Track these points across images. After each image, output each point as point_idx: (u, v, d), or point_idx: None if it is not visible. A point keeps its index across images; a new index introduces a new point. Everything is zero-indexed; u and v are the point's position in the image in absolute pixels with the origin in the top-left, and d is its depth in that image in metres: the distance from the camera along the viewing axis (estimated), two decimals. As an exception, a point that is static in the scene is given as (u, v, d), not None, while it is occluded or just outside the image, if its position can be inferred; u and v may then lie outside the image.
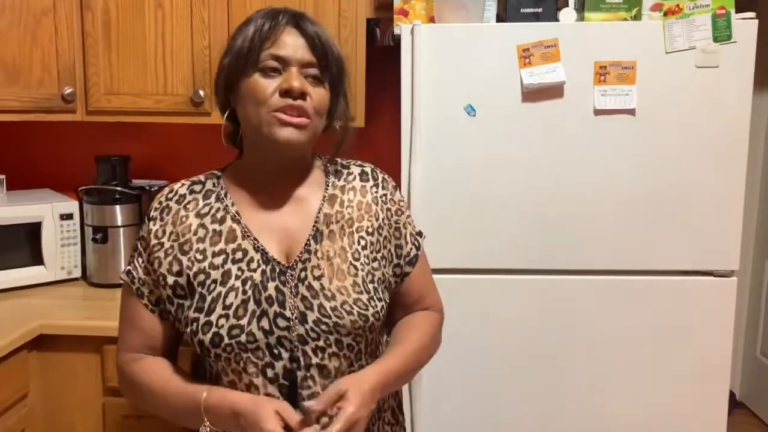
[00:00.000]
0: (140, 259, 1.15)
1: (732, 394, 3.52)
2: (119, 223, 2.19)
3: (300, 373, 1.09)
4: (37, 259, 2.15)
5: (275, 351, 1.08)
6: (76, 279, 2.23)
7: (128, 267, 1.18)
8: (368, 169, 1.24)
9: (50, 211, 2.16)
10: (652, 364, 1.90)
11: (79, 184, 2.27)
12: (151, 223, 1.16)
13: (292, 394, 1.09)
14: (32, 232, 2.14)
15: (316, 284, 1.10)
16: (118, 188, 2.19)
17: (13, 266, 2.11)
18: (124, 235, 2.20)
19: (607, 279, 1.88)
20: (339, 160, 1.25)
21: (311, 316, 1.08)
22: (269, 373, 1.08)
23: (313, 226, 1.16)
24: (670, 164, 1.84)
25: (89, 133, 2.48)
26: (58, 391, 1.86)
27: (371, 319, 1.11)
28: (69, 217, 2.21)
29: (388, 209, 1.21)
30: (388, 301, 1.19)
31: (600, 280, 1.88)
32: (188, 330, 1.09)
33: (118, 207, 2.19)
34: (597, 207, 1.85)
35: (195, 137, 2.46)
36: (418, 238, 1.26)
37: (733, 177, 1.83)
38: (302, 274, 1.12)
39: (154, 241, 1.14)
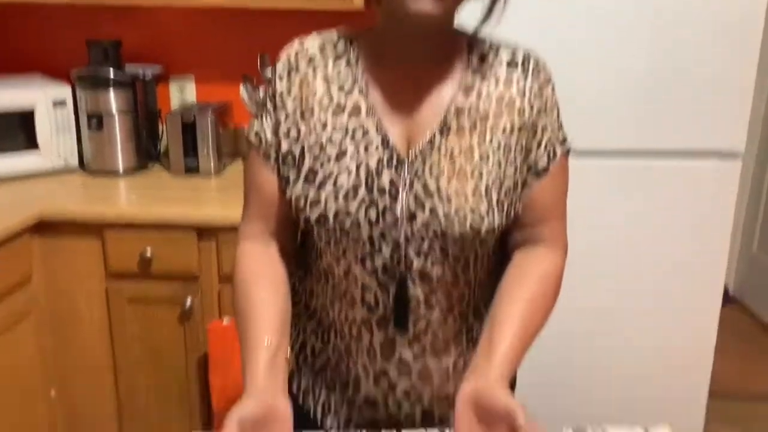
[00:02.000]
0: (268, 119, 1.04)
1: (725, 290, 3.60)
2: (114, 110, 2.13)
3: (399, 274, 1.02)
4: (32, 146, 2.11)
5: (376, 245, 0.99)
6: (73, 168, 2.20)
7: (255, 129, 1.06)
8: (520, 55, 1.03)
9: (43, 97, 2.10)
10: (649, 250, 1.91)
11: (69, 68, 2.19)
12: (279, 82, 1.03)
13: (399, 298, 1.02)
14: (25, 118, 2.09)
15: (432, 183, 0.98)
16: (112, 72, 2.13)
17: (8, 151, 2.08)
18: (120, 122, 2.15)
19: (611, 162, 1.86)
20: (488, 39, 1.05)
21: (420, 218, 0.98)
22: (368, 264, 1.01)
23: (443, 117, 1.00)
24: (680, 41, 1.78)
25: (78, 16, 2.38)
26: (61, 277, 1.88)
27: (483, 234, 0.99)
28: (62, 103, 2.15)
29: (533, 106, 1.02)
30: (512, 215, 1.03)
31: (602, 163, 1.86)
32: (294, 205, 1.01)
33: (112, 92, 2.13)
34: (600, 85, 1.81)
35: (187, 22, 2.36)
36: (557, 146, 1.04)
37: (745, 55, 1.78)
38: (419, 170, 0.99)
39: (280, 103, 1.02)
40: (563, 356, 1.97)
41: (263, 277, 1.05)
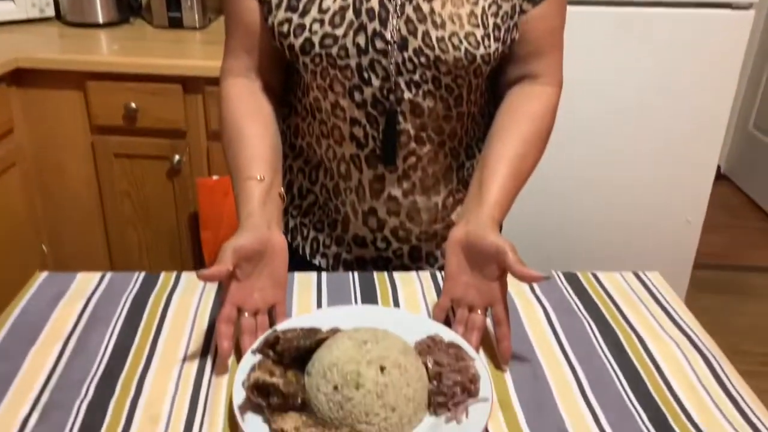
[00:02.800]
0: None
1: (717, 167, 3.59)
2: (89, -46, 2.00)
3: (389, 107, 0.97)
4: (4, -7, 1.99)
5: (365, 75, 0.95)
6: (49, 18, 2.09)
7: None
8: None
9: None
10: (651, 109, 1.86)
11: None
12: None
13: (389, 132, 0.98)
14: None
15: (425, 6, 0.92)
16: None
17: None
18: (97, -31, 2.02)
19: (618, 11, 1.78)
20: None
21: (412, 44, 0.93)
22: (357, 96, 0.97)
23: None
24: None
25: None
26: (44, 130, 1.82)
27: (478, 60, 0.93)
28: (33, -54, 2.00)
29: None
30: (508, 43, 0.98)
31: (609, 12, 1.78)
32: (277, 32, 0.95)
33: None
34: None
35: None
36: None
37: None
38: None
39: None
40: (554, 212, 1.97)
41: (252, 112, 1.01)
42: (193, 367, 0.83)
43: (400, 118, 0.98)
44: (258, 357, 0.79)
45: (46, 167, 1.86)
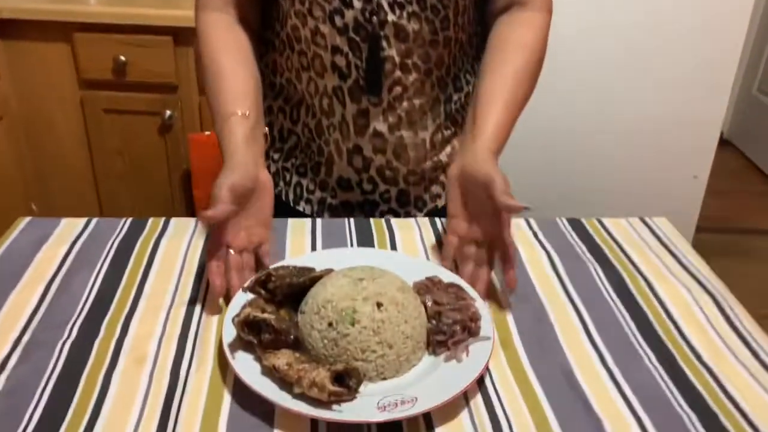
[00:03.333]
0: None
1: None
2: None
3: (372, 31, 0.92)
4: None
5: None
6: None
7: None
8: None
9: None
10: (657, 67, 1.81)
11: None
12: None
13: (373, 60, 0.93)
14: None
15: None
16: None
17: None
18: None
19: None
20: None
21: None
22: (338, 21, 0.91)
23: None
24: None
25: None
26: (31, 85, 1.77)
27: None
28: None
29: None
30: None
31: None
32: None
33: None
34: None
35: None
36: None
37: None
38: None
39: None
40: (559, 162, 1.93)
41: (230, 47, 0.96)
42: (181, 309, 0.80)
43: (384, 44, 0.93)
44: (249, 296, 0.75)
45: (34, 124, 1.81)
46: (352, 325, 0.68)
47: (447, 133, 1.04)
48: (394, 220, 0.99)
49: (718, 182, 2.68)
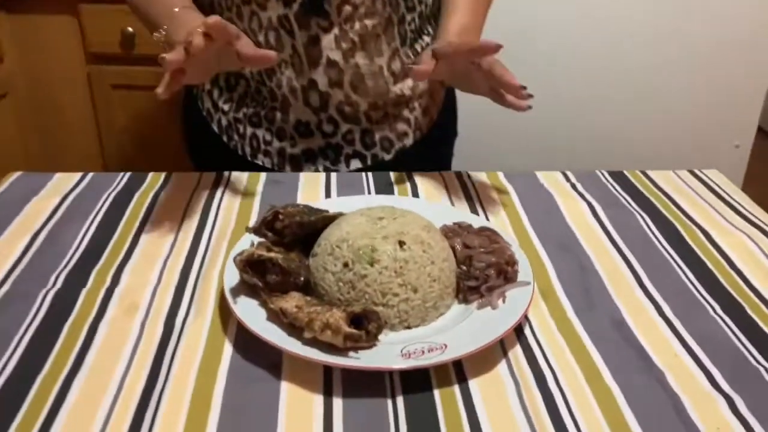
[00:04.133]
0: None
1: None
2: None
3: None
4: None
5: None
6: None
7: None
8: None
9: None
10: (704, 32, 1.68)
11: None
12: None
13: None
14: None
15: None
16: None
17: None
18: None
19: None
20: None
21: None
22: None
23: None
24: None
25: None
26: (36, 60, 1.70)
27: None
28: None
29: None
30: None
31: None
32: None
33: None
34: None
35: None
36: None
37: None
38: None
39: None
40: (599, 119, 1.79)
41: None
42: (179, 258, 0.71)
43: None
44: (254, 240, 0.67)
45: (40, 100, 1.74)
46: (371, 265, 0.59)
47: (406, 61, 0.96)
48: (416, 175, 0.90)
49: (755, 169, 2.55)
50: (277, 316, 0.57)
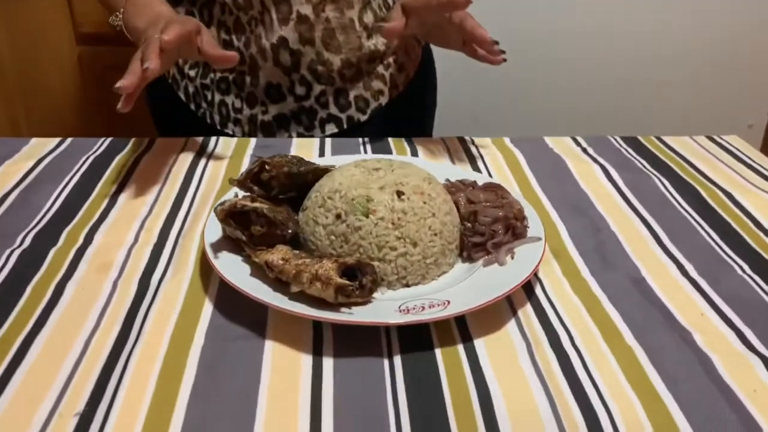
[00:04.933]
0: None
1: None
2: None
3: None
4: None
5: None
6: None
7: None
8: None
9: None
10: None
11: None
12: None
13: None
14: None
15: None
16: None
17: None
18: None
19: None
20: None
21: None
22: None
23: None
24: None
25: None
26: (25, 42, 1.65)
27: None
28: None
29: None
30: None
31: None
32: None
33: None
34: None
35: None
36: None
37: None
38: None
39: None
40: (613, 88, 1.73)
41: None
42: (159, 219, 0.66)
43: None
44: (237, 194, 0.61)
45: (29, 84, 1.69)
46: (366, 216, 0.53)
47: (379, 13, 0.91)
48: (417, 140, 0.85)
49: None
50: (262, 272, 0.52)
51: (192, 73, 0.93)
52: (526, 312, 0.53)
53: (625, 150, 0.83)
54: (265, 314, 0.51)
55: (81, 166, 0.76)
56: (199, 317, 0.51)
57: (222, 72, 0.91)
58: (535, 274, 0.56)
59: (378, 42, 0.92)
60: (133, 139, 0.84)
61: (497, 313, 0.52)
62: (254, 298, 0.49)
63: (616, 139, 0.86)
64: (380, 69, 0.94)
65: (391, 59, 0.94)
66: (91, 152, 0.80)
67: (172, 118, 0.99)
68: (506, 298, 0.51)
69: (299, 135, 0.92)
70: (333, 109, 0.92)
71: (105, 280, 0.56)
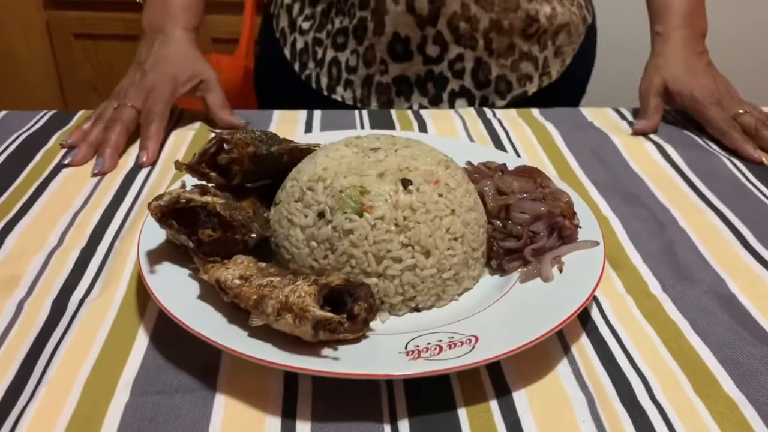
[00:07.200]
0: None
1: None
2: None
3: None
4: None
5: None
6: None
7: None
8: None
9: None
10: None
11: None
12: None
13: None
14: None
15: None
16: None
17: None
18: None
19: None
20: None
21: None
22: None
23: None
24: None
25: None
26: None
27: None
28: None
29: None
30: None
31: None
32: None
33: None
34: None
35: None
36: None
37: None
38: None
39: None
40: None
41: None
42: (94, 213, 0.51)
43: None
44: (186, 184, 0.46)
45: (-4, 54, 1.54)
46: (360, 215, 0.39)
47: None
48: (425, 112, 0.70)
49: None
50: (215, 293, 0.37)
51: (306, 25, 0.77)
52: (583, 349, 0.38)
53: (682, 124, 0.68)
54: (217, 355, 0.37)
55: (10, 144, 0.61)
56: (127, 357, 0.37)
57: (340, 21, 0.74)
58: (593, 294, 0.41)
59: (541, 9, 0.72)
60: (80, 112, 0.69)
61: (543, 352, 0.37)
62: (199, 335, 0.35)
63: (669, 112, 0.70)
64: (534, 49, 0.75)
65: (549, 40, 0.75)
66: (23, 130, 0.65)
67: (271, 81, 0.84)
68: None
69: (421, 107, 0.75)
70: (468, 82, 0.74)
71: (7, 299, 0.41)
